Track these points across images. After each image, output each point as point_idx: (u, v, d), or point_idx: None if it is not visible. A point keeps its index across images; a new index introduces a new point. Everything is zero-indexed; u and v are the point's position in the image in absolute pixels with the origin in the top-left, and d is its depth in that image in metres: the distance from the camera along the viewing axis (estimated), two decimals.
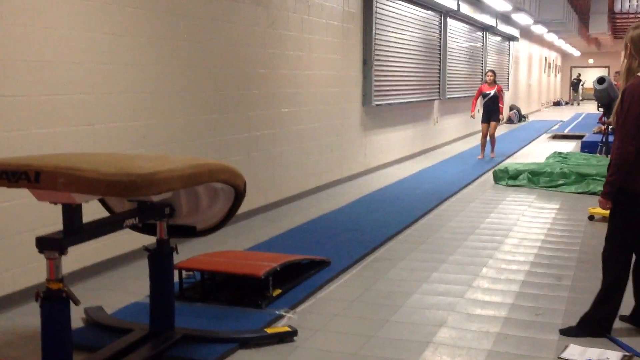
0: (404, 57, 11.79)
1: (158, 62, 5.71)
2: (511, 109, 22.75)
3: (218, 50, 6.54)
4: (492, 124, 12.30)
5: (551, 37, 27.93)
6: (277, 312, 4.23)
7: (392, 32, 11.07)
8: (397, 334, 4.01)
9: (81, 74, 4.91)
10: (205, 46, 6.35)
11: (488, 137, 12.45)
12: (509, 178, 9.58)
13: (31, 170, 2.92)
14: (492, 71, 12.54)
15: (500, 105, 12.26)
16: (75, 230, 3.12)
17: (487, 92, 12.27)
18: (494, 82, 12.26)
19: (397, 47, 11.38)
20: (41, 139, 4.58)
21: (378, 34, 10.36)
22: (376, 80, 10.35)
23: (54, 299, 2.99)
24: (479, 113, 12.95)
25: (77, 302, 3.04)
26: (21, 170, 2.94)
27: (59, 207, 3.13)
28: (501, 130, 19.34)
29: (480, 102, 12.76)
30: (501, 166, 9.99)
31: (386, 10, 10.72)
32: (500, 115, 12.39)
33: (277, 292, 4.52)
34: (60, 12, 4.69)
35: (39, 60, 4.54)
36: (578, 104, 37.43)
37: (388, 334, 4.00)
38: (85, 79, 4.95)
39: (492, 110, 12.21)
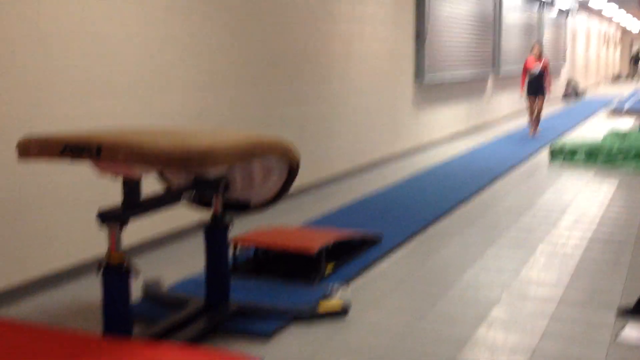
0: (458, 31, 11.59)
1: (212, 37, 5.74)
2: (568, 83, 22.18)
3: (270, 25, 6.54)
4: (540, 98, 11.85)
5: (611, 11, 27.01)
6: (330, 288, 4.25)
7: (446, 5, 10.88)
8: (450, 310, 3.99)
9: (138, 50, 4.98)
10: (258, 21, 6.36)
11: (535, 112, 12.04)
12: (565, 155, 9.37)
13: (93, 144, 2.99)
14: (539, 42, 12.36)
15: (547, 79, 11.88)
16: (135, 203, 3.19)
17: (533, 69, 11.80)
18: (540, 55, 11.84)
19: (451, 21, 11.18)
20: (100, 112, 4.67)
21: (432, 6, 10.19)
22: (429, 55, 10.20)
23: (115, 271, 3.07)
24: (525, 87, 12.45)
25: (137, 275, 3.11)
26: (83, 144, 3.01)
27: (118, 184, 3.20)
28: (557, 105, 18.91)
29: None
30: (557, 143, 9.77)
31: None
32: (548, 90, 11.98)
33: (330, 267, 4.54)
34: None
35: (97, 33, 4.61)
36: (638, 80, 36.23)
37: (441, 309, 3.99)
38: (141, 53, 5.01)
39: (538, 84, 11.78)
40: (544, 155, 9.98)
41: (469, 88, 12.63)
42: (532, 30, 17.13)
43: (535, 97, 11.86)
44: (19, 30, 4.07)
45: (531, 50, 12.03)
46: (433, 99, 10.85)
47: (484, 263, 4.85)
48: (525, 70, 11.86)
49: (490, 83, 14.03)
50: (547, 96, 12.08)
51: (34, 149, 3.14)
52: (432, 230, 5.77)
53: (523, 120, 14.86)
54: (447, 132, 11.62)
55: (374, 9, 8.59)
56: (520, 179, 8.17)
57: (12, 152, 3.42)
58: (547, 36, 18.69)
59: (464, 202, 6.85)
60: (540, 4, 17.43)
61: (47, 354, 3.00)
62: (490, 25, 13.45)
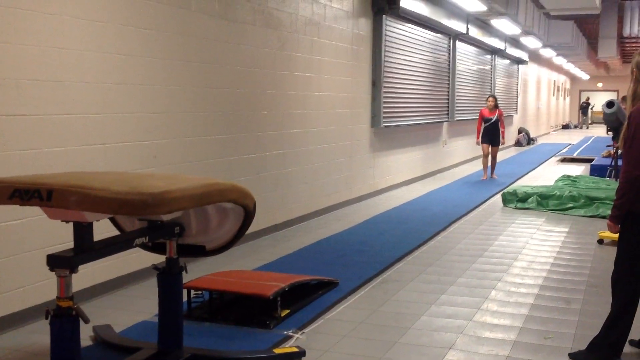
0: (413, 79, 11.85)
1: (169, 83, 5.76)
2: (520, 131, 22.76)
3: (228, 71, 6.60)
4: (494, 148, 12.59)
5: (560, 61, 27.99)
6: (285, 333, 4.23)
7: (402, 54, 11.14)
8: (405, 356, 3.99)
9: (93, 94, 4.97)
10: (215, 67, 6.42)
11: (490, 158, 12.72)
12: (517, 201, 9.57)
13: (43, 189, 2.95)
14: (493, 96, 12.76)
15: (501, 129, 12.51)
16: (86, 248, 3.14)
17: (489, 117, 12.47)
18: (495, 106, 12.50)
19: (406, 69, 11.43)
20: (53, 158, 4.62)
21: (387, 56, 10.43)
22: (385, 102, 10.39)
23: (64, 317, 3.00)
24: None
25: (86, 320, 3.05)
26: (34, 188, 2.97)
27: (70, 226, 3.16)
28: (510, 152, 19.36)
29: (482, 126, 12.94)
30: (510, 189, 9.98)
31: (395, 33, 10.80)
32: (502, 140, 12.61)
33: (286, 312, 4.52)
34: (73, 33, 4.76)
35: (52, 80, 4.60)
36: (587, 128, 37.40)
37: (396, 356, 3.99)
38: (97, 99, 5.00)
39: (493, 134, 12.45)
40: (497, 200, 10.17)
41: (424, 134, 12.86)
42: (485, 79, 17.61)
43: (489, 145, 12.53)
44: None
45: (486, 102, 12.72)
46: (389, 144, 11.01)
47: (438, 308, 4.88)
48: (481, 119, 12.51)
49: (445, 129, 14.32)
50: (502, 145, 12.83)
51: None
52: (388, 275, 5.80)
53: (478, 166, 15.15)
54: (404, 177, 11.77)
55: (331, 57, 8.74)
56: (475, 223, 8.30)
57: None
58: (500, 85, 19.22)
59: (420, 246, 6.92)
60: (492, 53, 17.97)
61: None
62: (445, 73, 13.80)
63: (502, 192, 10.09)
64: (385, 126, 10.50)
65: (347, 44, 9.23)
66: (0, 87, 4.22)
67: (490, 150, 12.56)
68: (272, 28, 7.31)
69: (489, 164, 12.70)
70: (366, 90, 9.99)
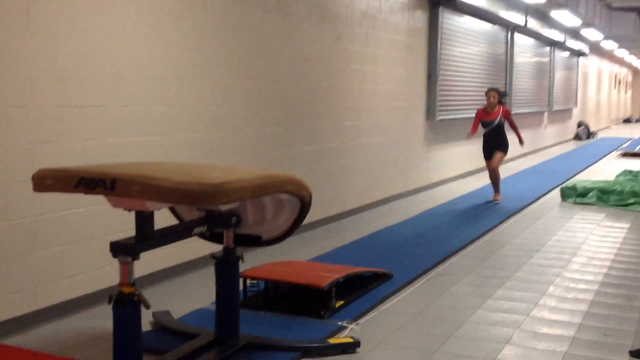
0: (469, 72, 11.69)
1: (227, 76, 5.84)
2: (579, 125, 22.22)
3: (284, 65, 6.65)
4: (497, 154, 9.03)
5: (622, 53, 27.19)
6: (340, 323, 4.25)
7: (458, 46, 11.01)
8: (460, 349, 3.97)
9: (152, 87, 5.07)
10: (271, 60, 6.47)
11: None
12: (577, 195, 9.36)
13: (108, 178, 3.03)
14: (496, 90, 9.02)
15: (516, 132, 9.16)
16: (147, 236, 3.22)
17: (489, 120, 8.96)
18: (499, 103, 8.94)
19: (462, 62, 11.30)
20: (114, 148, 4.75)
21: (443, 48, 10.32)
22: (440, 95, 10.30)
23: (126, 302, 3.09)
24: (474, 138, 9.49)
25: (147, 306, 3.13)
26: (98, 177, 3.06)
27: (129, 215, 3.24)
28: (569, 146, 18.94)
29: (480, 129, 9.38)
30: (569, 183, 9.77)
31: (452, 25, 10.67)
32: (521, 141, 9.28)
33: (340, 303, 4.54)
34: (135, 28, 4.86)
35: (113, 73, 4.71)
36: None
37: (452, 349, 3.97)
38: (156, 92, 5.11)
39: (495, 143, 9.03)
40: (555, 194, 9.96)
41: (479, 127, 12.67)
42: (544, 71, 17.24)
43: (492, 157, 9.09)
44: (38, 69, 4.16)
45: (486, 97, 8.99)
46: (444, 137, 10.91)
47: (494, 303, 4.83)
48: (477, 122, 9.07)
49: None
50: (521, 146, 9.60)
51: (49, 181, 3.18)
52: (442, 268, 5.76)
53: (536, 159, 14.88)
54: (458, 171, 11.64)
55: (386, 50, 8.70)
56: (532, 218, 8.16)
57: (28, 185, 3.48)
58: (559, 78, 18.79)
59: (475, 240, 6.84)
60: (551, 46, 17.58)
61: None
62: (502, 66, 13.57)
63: (560, 187, 9.88)
64: (441, 119, 10.41)
65: (403, 37, 9.17)
66: (65, 80, 4.35)
67: (493, 161, 9.05)
68: (327, 21, 7.32)
69: (495, 178, 9.25)
70: (421, 83, 9.91)
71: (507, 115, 8.97)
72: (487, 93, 8.95)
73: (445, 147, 11.01)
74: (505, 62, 13.74)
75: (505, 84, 13.80)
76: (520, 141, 9.24)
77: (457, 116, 11.12)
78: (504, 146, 9.08)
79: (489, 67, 12.74)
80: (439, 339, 4.10)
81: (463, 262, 6.01)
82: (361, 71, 8.12)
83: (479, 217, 8.03)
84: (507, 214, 8.21)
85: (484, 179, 11.55)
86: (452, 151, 11.34)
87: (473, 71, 11.89)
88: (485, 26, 12.37)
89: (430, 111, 10.11)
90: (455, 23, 10.84)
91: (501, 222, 7.79)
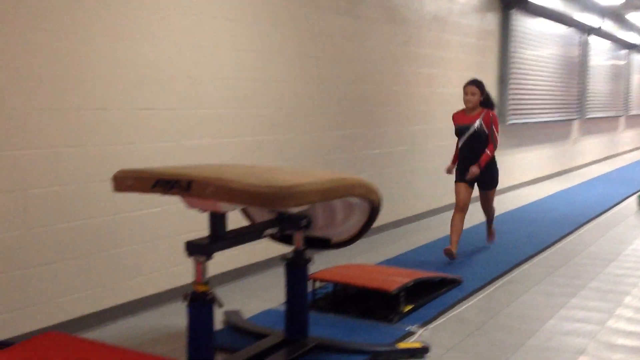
0: (542, 75, 11.45)
1: (297, 79, 5.90)
2: None
3: (353, 68, 6.66)
4: (485, 192, 6.38)
5: None
6: (408, 328, 4.23)
7: (530, 49, 10.79)
8: (533, 359, 3.88)
9: (225, 90, 5.18)
10: (341, 64, 6.49)
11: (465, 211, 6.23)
12: None
13: (184, 180, 3.12)
14: (476, 83, 6.16)
15: (488, 149, 6.03)
16: (221, 237, 3.29)
17: (465, 124, 6.11)
18: (483, 105, 6.13)
19: (535, 65, 11.07)
20: (188, 150, 4.86)
21: (515, 51, 10.14)
22: (512, 99, 10.12)
23: (200, 301, 3.17)
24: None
25: (220, 305, 3.20)
26: (175, 179, 3.15)
27: (201, 216, 3.32)
28: None
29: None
30: None
31: (524, 27, 10.47)
32: (470, 172, 6.02)
33: (408, 307, 4.51)
34: (208, 31, 4.98)
35: (188, 77, 4.84)
36: None
37: (523, 358, 3.89)
38: (228, 95, 5.21)
39: (475, 157, 6.05)
40: (631, 203, 9.63)
41: (552, 132, 12.38)
42: (620, 75, 16.70)
43: (471, 185, 6.20)
44: (118, 73, 4.32)
45: (464, 94, 6.15)
46: (516, 142, 10.70)
47: (567, 312, 4.70)
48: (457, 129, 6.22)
49: (575, 127, 13.71)
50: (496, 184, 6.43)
51: (128, 182, 3.30)
52: (512, 276, 5.65)
53: (611, 166, 14.41)
54: (530, 176, 11.40)
55: (457, 53, 8.61)
56: (606, 227, 7.91)
57: (108, 185, 3.61)
58: (636, 82, 18.17)
59: (547, 248, 6.68)
60: (628, 48, 17.01)
61: None
62: (576, 69, 13.22)
63: (637, 195, 9.54)
64: (512, 123, 10.22)
65: (474, 39, 9.05)
66: (143, 84, 4.49)
67: (469, 194, 6.19)
68: (397, 24, 7.30)
69: (482, 218, 6.70)
70: (492, 87, 9.75)
71: (488, 122, 6.00)
72: (466, 86, 6.17)
73: (517, 151, 10.79)
74: (579, 65, 13.38)
75: (579, 88, 13.44)
76: (477, 166, 5.97)
77: (528, 120, 10.89)
78: (491, 176, 6.25)
79: (562, 70, 12.43)
80: (510, 348, 4.03)
81: (534, 270, 5.88)
82: (430, 74, 8.06)
83: (551, 224, 7.84)
84: (581, 222, 7.98)
85: (557, 185, 11.27)
86: (524, 156, 11.10)
87: (546, 74, 11.63)
88: (559, 29, 12.08)
89: (501, 115, 9.94)
90: (528, 25, 10.63)
91: (574, 230, 7.58)
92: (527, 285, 5.37)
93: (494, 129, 6.07)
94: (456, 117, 6.28)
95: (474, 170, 6.01)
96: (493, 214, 6.64)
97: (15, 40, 3.73)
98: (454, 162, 6.32)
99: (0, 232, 3.73)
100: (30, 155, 3.85)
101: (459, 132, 6.20)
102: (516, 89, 10.28)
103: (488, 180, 6.30)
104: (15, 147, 3.78)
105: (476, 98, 6.10)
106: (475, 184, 6.28)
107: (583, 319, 4.56)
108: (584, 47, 13.53)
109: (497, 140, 6.13)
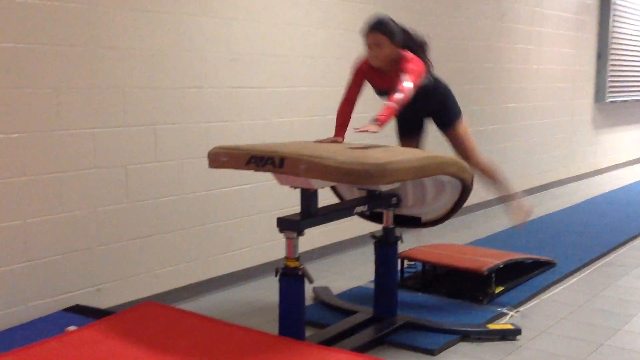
0: None
1: None
2: None
3: (444, 45, 6.54)
4: (450, 131, 4.71)
5: None
6: (499, 310, 4.17)
7: (632, 23, 10.27)
8: (630, 344, 3.75)
9: (315, 68, 5.20)
10: (432, 41, 6.38)
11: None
12: None
13: (277, 156, 3.18)
14: (380, 28, 4.15)
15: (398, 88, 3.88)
16: (312, 213, 3.34)
17: (386, 91, 4.11)
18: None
19: (637, 40, 10.52)
20: (280, 128, 4.94)
21: (615, 26, 9.67)
22: (611, 75, 9.69)
23: (291, 276, 3.23)
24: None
25: (311, 280, 3.25)
26: (268, 155, 3.21)
27: (295, 192, 3.37)
28: None
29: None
30: None
31: (625, 0, 9.96)
32: (380, 119, 3.84)
33: (499, 289, 4.44)
34: (298, 10, 5.01)
35: (278, 55, 4.89)
36: None
37: (620, 343, 3.76)
38: (319, 73, 5.23)
39: (420, 109, 4.52)
40: None
41: None
42: None
43: (413, 137, 4.83)
44: (212, 52, 4.42)
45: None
46: (615, 121, 10.25)
47: None
48: (357, 82, 4.37)
49: None
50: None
51: (223, 158, 3.39)
52: (609, 259, 5.46)
53: None
54: (630, 157, 10.91)
55: (553, 28, 8.30)
56: None
57: (202, 161, 3.72)
58: None
59: None
60: None
61: (224, 347, 3.22)
62: None
63: None
64: (611, 101, 9.79)
65: (571, 14, 8.70)
66: (236, 63, 4.58)
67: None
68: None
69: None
70: (590, 63, 9.36)
71: (408, 65, 4.03)
72: (364, 36, 4.21)
73: (616, 130, 10.34)
74: None
75: None
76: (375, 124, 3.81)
77: (629, 98, 10.40)
78: (443, 116, 4.63)
79: None
80: (606, 332, 3.90)
81: (633, 253, 5.65)
82: (525, 50, 7.81)
83: None
84: None
85: None
86: (623, 135, 10.63)
87: None
88: None
89: (599, 93, 9.54)
90: None
91: None
92: (626, 269, 5.17)
93: (414, 66, 4.03)
94: (362, 68, 4.29)
95: (370, 128, 3.79)
96: (490, 166, 4.72)
97: (117, 21, 3.88)
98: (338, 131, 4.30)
99: (107, 204, 3.92)
100: (131, 132, 4.01)
101: (379, 93, 4.42)
102: (616, 65, 9.82)
103: (440, 112, 4.50)
104: (117, 124, 3.94)
105: (386, 50, 4.07)
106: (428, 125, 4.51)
107: None
108: None
109: (414, 70, 4.00)
